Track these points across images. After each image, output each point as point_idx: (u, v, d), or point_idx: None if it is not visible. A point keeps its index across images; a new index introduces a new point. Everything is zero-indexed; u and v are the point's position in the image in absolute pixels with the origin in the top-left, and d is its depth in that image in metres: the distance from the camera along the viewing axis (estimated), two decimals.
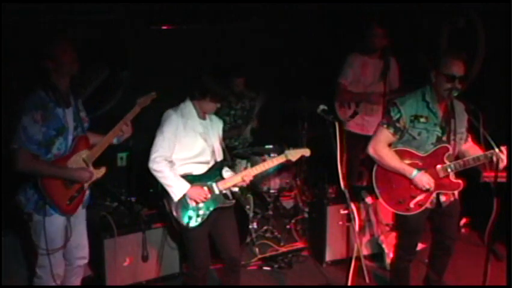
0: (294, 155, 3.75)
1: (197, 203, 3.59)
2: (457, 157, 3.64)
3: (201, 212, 3.61)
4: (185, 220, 3.58)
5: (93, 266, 4.05)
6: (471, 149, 3.65)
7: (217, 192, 3.67)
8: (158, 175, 3.54)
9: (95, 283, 4.10)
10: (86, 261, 3.58)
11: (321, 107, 3.51)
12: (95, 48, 5.19)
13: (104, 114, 5.03)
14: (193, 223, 3.59)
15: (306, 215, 5.13)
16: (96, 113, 5.06)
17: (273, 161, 3.76)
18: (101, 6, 5.05)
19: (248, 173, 3.72)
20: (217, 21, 5.64)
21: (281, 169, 5.03)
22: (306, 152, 3.78)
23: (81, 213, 3.46)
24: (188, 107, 3.65)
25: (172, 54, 5.50)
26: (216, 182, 3.68)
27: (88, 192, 3.42)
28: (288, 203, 5.59)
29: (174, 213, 3.58)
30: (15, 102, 3.15)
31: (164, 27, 5.53)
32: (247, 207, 4.88)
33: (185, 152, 3.60)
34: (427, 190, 3.57)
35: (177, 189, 3.55)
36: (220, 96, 3.63)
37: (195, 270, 3.69)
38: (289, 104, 5.23)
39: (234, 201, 3.80)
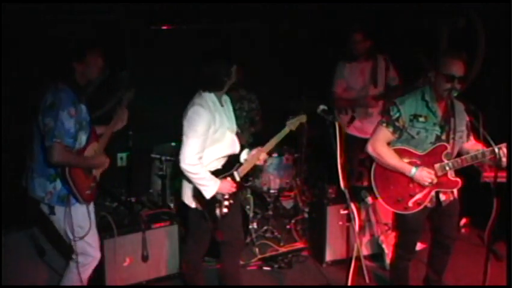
0: (294, 123, 3.68)
1: (222, 194, 3.58)
2: (458, 156, 3.64)
3: (226, 203, 3.60)
4: (216, 213, 3.57)
5: None
6: (474, 148, 3.65)
7: (238, 179, 3.65)
8: (193, 177, 3.44)
9: (95, 283, 4.09)
10: (100, 254, 3.64)
11: (321, 107, 3.51)
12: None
13: (104, 115, 5.03)
14: (222, 214, 3.59)
15: (306, 215, 5.13)
16: (96, 113, 5.07)
17: (280, 135, 3.68)
18: (101, 6, 5.05)
19: (262, 153, 3.68)
20: (217, 21, 5.65)
21: (281, 169, 5.05)
22: (303, 118, 3.70)
23: (92, 206, 3.57)
24: (211, 98, 3.50)
25: (172, 54, 5.50)
26: (237, 169, 3.66)
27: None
28: (288, 203, 5.59)
29: (206, 210, 3.55)
30: (40, 99, 3.28)
31: (164, 27, 5.53)
32: (247, 207, 4.88)
33: (217, 148, 3.53)
34: (430, 184, 3.57)
35: (211, 187, 3.49)
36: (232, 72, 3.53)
37: (195, 248, 3.77)
38: (289, 104, 5.23)
39: (250, 183, 3.78)
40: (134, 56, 5.36)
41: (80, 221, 3.41)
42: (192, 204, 3.58)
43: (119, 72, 4.08)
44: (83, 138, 3.37)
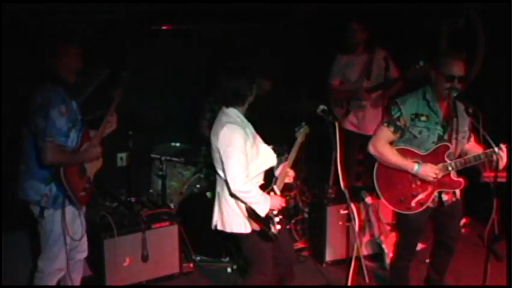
0: (302, 134, 3.63)
1: (272, 210, 3.42)
2: (460, 156, 3.64)
3: (277, 219, 3.45)
4: (271, 231, 3.41)
5: (93, 266, 4.06)
6: (473, 149, 3.65)
7: (278, 193, 3.52)
8: (246, 196, 3.27)
9: (95, 283, 4.10)
10: (85, 254, 3.63)
11: (321, 107, 3.51)
12: (95, 48, 5.18)
13: (104, 115, 5.02)
14: (275, 231, 3.43)
15: (306, 215, 5.12)
16: (96, 113, 5.07)
17: (295, 147, 3.61)
18: (101, 6, 5.05)
19: (287, 168, 3.58)
20: (217, 21, 5.65)
21: None
22: (307, 129, 3.66)
23: (82, 214, 3.53)
24: (236, 113, 3.37)
25: (172, 54, 5.50)
26: (275, 183, 3.53)
27: (92, 186, 3.53)
28: (288, 203, 5.58)
29: (265, 228, 3.38)
30: (31, 99, 3.23)
31: (164, 27, 5.53)
32: None
33: (257, 162, 3.38)
34: (434, 178, 3.56)
35: (264, 204, 3.32)
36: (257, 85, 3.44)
37: (266, 277, 3.49)
38: (289, 104, 5.23)
39: (287, 197, 3.75)
40: (134, 56, 5.36)
41: (72, 223, 3.38)
42: (247, 228, 3.36)
43: (120, 72, 4.07)
44: (75, 136, 3.32)
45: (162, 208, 4.71)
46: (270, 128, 3.88)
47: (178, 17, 5.49)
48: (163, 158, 5.02)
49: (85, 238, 3.59)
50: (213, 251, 4.59)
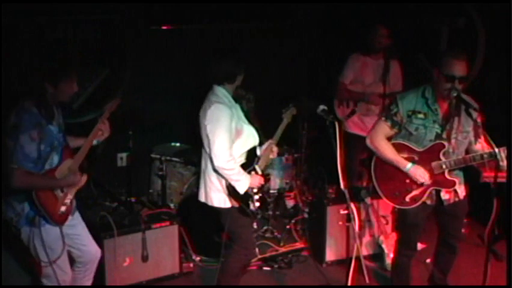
0: (289, 116, 3.86)
1: (252, 188, 3.60)
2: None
3: (257, 197, 3.64)
4: (250, 208, 3.60)
5: None
6: (484, 150, 3.64)
7: (260, 173, 3.69)
8: (229, 173, 3.47)
9: (95, 283, 4.09)
10: (100, 252, 3.59)
11: (321, 107, 3.52)
12: (95, 48, 5.19)
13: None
14: (254, 208, 3.63)
15: (306, 215, 5.13)
16: (96, 113, 5.08)
17: (281, 127, 3.80)
18: (101, 6, 5.06)
19: (273, 145, 3.76)
20: (217, 21, 5.65)
21: (281, 169, 5.04)
22: (294, 110, 3.88)
23: (75, 218, 3.43)
24: (224, 93, 3.54)
25: (172, 54, 5.50)
26: (257, 163, 3.68)
27: (74, 202, 3.39)
28: (288, 203, 5.59)
29: (242, 206, 3.57)
30: (5, 119, 3.07)
31: (164, 27, 5.54)
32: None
33: (241, 141, 3.56)
34: (421, 184, 3.58)
35: (244, 182, 3.51)
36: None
37: (248, 251, 3.75)
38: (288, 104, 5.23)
39: (269, 177, 3.96)
40: (134, 56, 5.36)
41: (51, 242, 3.20)
42: (226, 204, 3.57)
43: (120, 72, 4.07)
44: (55, 158, 3.19)
45: (162, 208, 4.72)
46: (269, 128, 3.89)
47: (178, 17, 5.50)
48: (163, 158, 5.02)
49: (91, 239, 3.53)
50: (213, 251, 4.58)
